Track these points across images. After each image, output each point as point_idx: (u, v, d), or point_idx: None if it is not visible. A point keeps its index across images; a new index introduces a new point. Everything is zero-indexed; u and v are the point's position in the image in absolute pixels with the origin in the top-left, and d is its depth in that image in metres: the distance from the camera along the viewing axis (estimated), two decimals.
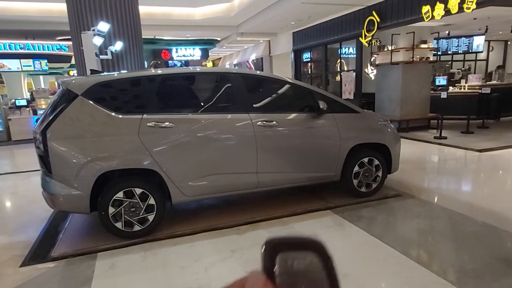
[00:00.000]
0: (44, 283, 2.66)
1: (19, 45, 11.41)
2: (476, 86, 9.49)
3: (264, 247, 0.29)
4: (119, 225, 3.15)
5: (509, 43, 14.15)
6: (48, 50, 11.66)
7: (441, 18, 7.11)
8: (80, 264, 2.88)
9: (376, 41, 9.25)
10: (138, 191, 3.16)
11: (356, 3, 9.01)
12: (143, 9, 7.41)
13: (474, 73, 12.28)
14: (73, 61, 9.17)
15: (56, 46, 11.73)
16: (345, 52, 11.80)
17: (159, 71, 3.52)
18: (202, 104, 3.66)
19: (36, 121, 3.26)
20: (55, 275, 2.75)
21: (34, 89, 13.25)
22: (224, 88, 3.70)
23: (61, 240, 3.33)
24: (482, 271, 2.52)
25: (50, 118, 3.02)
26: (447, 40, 11.79)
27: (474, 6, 6.38)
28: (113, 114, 3.14)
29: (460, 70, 11.84)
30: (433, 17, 7.10)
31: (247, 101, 3.61)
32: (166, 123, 3.23)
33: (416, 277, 2.50)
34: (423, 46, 8.80)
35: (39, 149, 3.06)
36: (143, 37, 7.02)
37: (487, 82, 10.24)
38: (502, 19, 8.84)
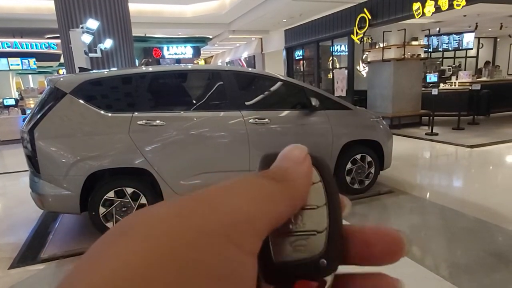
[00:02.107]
0: (33, 285, 2.61)
1: (6, 44, 11.22)
2: (466, 83, 9.58)
3: (260, 160, 0.27)
4: (110, 225, 3.09)
5: (498, 40, 14.32)
6: (36, 48, 11.48)
7: (431, 15, 7.16)
8: (70, 265, 2.83)
9: (368, 38, 9.27)
10: (129, 190, 3.12)
11: (347, 0, 9.03)
12: (133, 6, 7.33)
13: (465, 70, 12.40)
14: (62, 60, 9.05)
15: (44, 44, 11.56)
16: (337, 49, 11.83)
17: (150, 69, 3.47)
18: (193, 102, 3.62)
19: (24, 120, 3.19)
20: (45, 277, 2.70)
21: (22, 88, 13.04)
22: (216, 86, 3.67)
23: (51, 241, 3.27)
24: (474, 266, 2.54)
25: (38, 117, 2.96)
26: (437, 37, 11.88)
27: (464, 3, 6.44)
28: (103, 112, 3.08)
29: (450, 67, 11.94)
30: (423, 14, 7.15)
31: (239, 99, 3.59)
32: (157, 121, 3.19)
33: (409, 273, 2.50)
34: (414, 43, 8.85)
35: (27, 148, 3.00)
36: (133, 35, 6.94)
37: (478, 79, 10.34)
38: (491, 16, 8.94)
